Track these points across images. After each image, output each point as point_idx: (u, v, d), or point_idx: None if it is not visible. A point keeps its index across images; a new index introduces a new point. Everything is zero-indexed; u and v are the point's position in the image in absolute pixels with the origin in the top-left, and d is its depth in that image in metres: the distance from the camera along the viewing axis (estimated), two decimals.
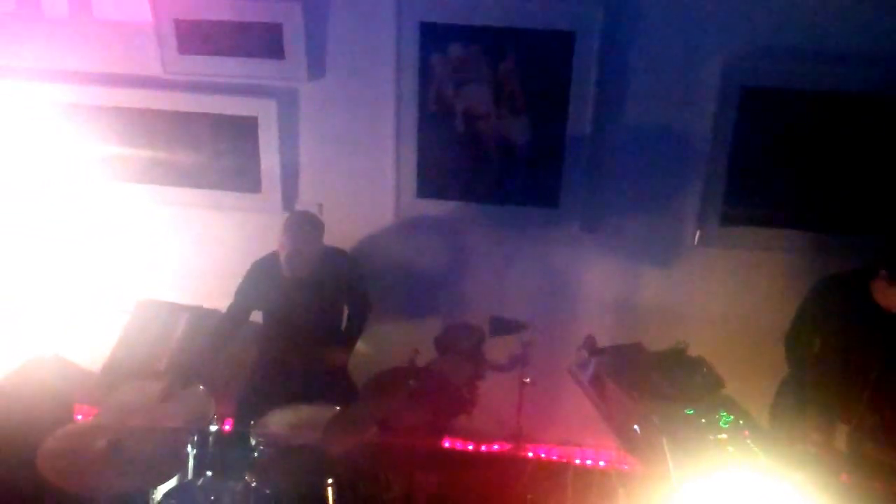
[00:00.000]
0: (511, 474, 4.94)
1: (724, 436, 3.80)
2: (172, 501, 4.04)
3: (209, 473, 4.18)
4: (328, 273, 4.59)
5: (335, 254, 4.70)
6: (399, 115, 4.70)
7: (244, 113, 4.83)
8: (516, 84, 4.58)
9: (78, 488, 3.76)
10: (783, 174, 4.60)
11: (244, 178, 4.98)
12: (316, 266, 4.52)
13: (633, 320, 4.98)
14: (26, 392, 4.65)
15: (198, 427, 4.22)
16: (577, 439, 5.28)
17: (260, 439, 4.23)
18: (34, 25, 4.80)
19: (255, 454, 4.19)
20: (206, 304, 5.07)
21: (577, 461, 5.24)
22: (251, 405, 4.60)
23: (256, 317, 4.79)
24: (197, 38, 4.66)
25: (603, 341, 4.43)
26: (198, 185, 5.04)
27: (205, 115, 4.86)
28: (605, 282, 4.98)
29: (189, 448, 4.11)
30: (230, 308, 4.70)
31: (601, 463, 5.21)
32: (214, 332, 4.70)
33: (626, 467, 4.94)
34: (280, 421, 4.38)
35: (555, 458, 5.27)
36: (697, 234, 4.75)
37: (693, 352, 4.27)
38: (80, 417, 4.98)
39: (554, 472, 5.10)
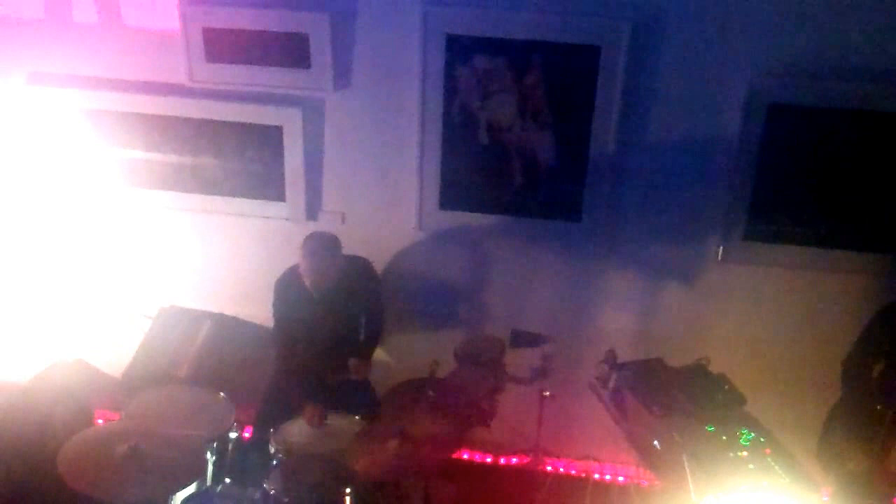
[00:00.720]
0: (529, 488, 4.93)
1: (744, 453, 3.79)
2: None
3: (228, 480, 4.19)
4: (349, 283, 4.60)
5: (355, 262, 4.71)
6: (423, 127, 4.71)
7: (269, 122, 4.85)
8: (541, 97, 4.58)
9: (97, 493, 3.77)
10: (808, 191, 4.57)
11: (268, 186, 5.01)
12: (338, 278, 4.53)
13: (655, 335, 4.95)
14: (48, 395, 4.67)
15: (218, 434, 4.24)
16: (596, 454, 5.26)
17: (279, 447, 4.24)
18: (63, 32, 4.85)
19: (275, 462, 4.20)
20: (228, 312, 5.10)
21: (596, 476, 5.21)
22: (271, 413, 4.61)
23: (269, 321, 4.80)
24: (224, 46, 4.69)
25: (624, 356, 4.40)
26: (222, 193, 5.06)
27: (231, 123, 4.89)
28: (627, 296, 4.97)
29: (209, 454, 4.13)
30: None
31: (620, 478, 5.19)
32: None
33: (644, 483, 4.91)
34: (300, 429, 4.39)
35: (573, 472, 5.25)
36: (721, 249, 4.72)
37: (715, 368, 4.25)
38: (100, 422, 5.00)
39: (572, 487, 5.10)
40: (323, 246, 4.47)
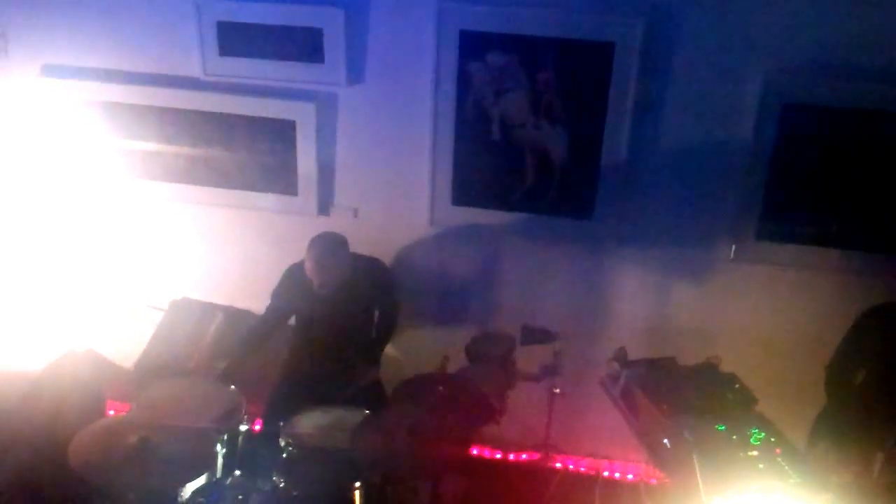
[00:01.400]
0: (538, 484, 4.93)
1: (754, 453, 3.77)
2: (201, 499, 4.05)
3: (238, 472, 4.20)
4: (358, 283, 4.62)
5: (366, 263, 4.72)
6: (436, 122, 4.71)
7: (283, 116, 4.86)
8: (554, 94, 4.58)
9: (108, 483, 3.80)
10: (822, 191, 4.55)
11: (281, 180, 5.02)
12: (346, 278, 4.54)
13: (666, 333, 4.95)
14: (60, 386, 4.68)
15: (228, 426, 4.24)
16: (606, 451, 5.25)
17: (289, 440, 4.25)
18: (76, 24, 4.86)
19: (284, 455, 4.21)
20: (240, 305, 5.10)
21: (605, 473, 5.21)
22: (281, 406, 4.62)
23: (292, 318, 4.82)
24: (238, 40, 4.71)
25: (635, 354, 4.40)
26: (235, 187, 5.08)
27: (244, 117, 4.90)
28: (639, 293, 4.96)
29: (218, 447, 4.13)
30: (266, 311, 4.76)
31: (629, 476, 5.18)
32: (248, 333, 4.76)
33: (654, 481, 4.92)
34: (310, 422, 4.39)
35: (583, 469, 5.25)
36: (733, 248, 4.71)
37: (726, 367, 4.25)
38: (112, 413, 5.03)
39: (581, 484, 5.09)
40: (326, 247, 4.48)
